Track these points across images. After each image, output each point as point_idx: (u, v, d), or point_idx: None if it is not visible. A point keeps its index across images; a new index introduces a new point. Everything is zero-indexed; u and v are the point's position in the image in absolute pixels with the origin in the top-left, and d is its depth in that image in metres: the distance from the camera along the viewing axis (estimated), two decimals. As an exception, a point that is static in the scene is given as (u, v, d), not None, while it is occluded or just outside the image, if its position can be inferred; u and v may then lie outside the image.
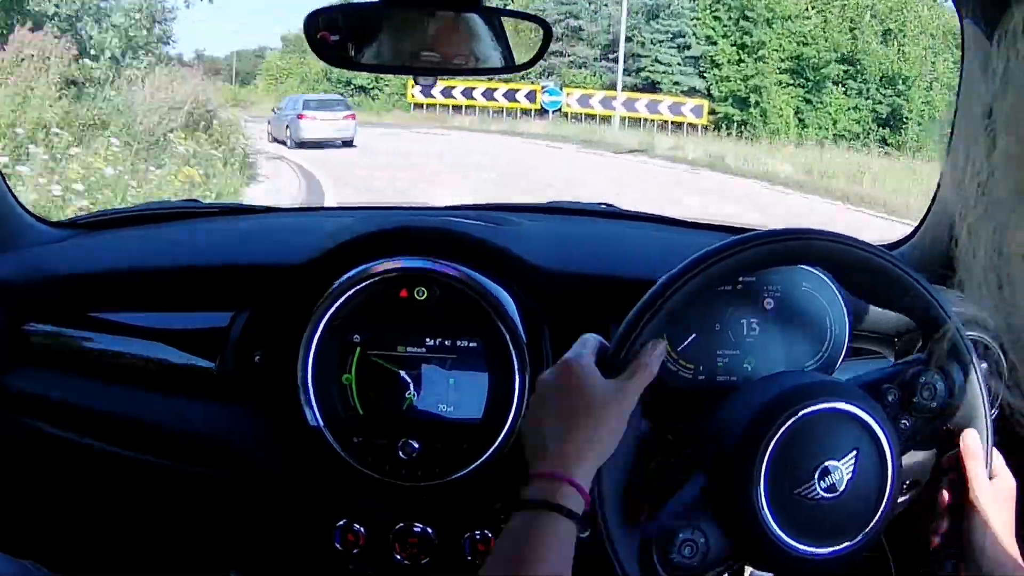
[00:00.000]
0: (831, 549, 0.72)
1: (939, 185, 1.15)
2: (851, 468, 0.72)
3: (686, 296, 0.75)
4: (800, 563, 0.72)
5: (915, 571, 0.83)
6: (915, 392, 0.78)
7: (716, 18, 24.70)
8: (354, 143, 12.51)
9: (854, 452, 0.72)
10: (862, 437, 0.73)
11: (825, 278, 0.93)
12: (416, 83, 1.08)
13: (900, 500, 0.79)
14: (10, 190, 1.22)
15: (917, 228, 1.20)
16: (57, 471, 1.20)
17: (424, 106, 26.24)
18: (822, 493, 0.72)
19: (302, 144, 12.10)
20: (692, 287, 0.75)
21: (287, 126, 12.93)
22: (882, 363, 1.05)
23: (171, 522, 1.22)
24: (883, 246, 0.88)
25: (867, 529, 0.73)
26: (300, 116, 12.66)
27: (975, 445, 0.78)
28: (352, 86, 29.52)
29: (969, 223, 0.44)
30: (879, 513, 0.73)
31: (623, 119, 23.46)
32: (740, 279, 0.92)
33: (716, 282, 0.77)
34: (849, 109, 21.52)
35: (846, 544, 0.73)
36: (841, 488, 0.72)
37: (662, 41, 26.28)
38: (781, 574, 0.76)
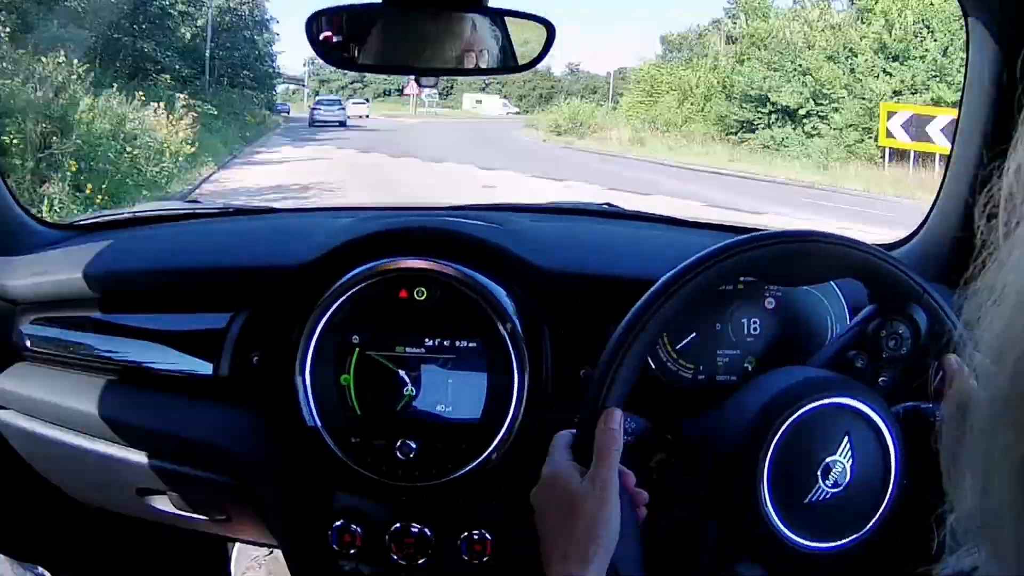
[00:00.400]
0: (843, 541, 0.72)
1: (940, 187, 1.15)
2: (849, 456, 0.71)
3: (639, 355, 0.73)
4: (808, 559, 0.71)
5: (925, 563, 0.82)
6: (881, 347, 0.77)
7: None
8: (345, 124, 22.80)
9: (845, 438, 0.72)
10: (853, 423, 0.72)
11: None
12: (418, 83, 1.08)
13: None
14: (10, 191, 1.22)
15: (917, 230, 1.20)
16: (55, 472, 1.20)
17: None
18: (829, 490, 0.71)
19: (314, 123, 22.24)
20: (644, 342, 0.73)
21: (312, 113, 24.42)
22: None
23: (169, 523, 1.21)
24: (882, 247, 0.88)
25: (875, 518, 0.72)
26: (314, 109, 24.30)
27: (958, 364, 0.76)
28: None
29: (1000, 233, 0.41)
30: (887, 500, 0.73)
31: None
32: (741, 279, 0.92)
33: (715, 283, 0.76)
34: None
35: (857, 534, 0.72)
36: (845, 480, 0.71)
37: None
38: (789, 571, 0.75)
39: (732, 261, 0.75)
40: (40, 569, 0.90)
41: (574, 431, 0.74)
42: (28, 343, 1.16)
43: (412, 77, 1.09)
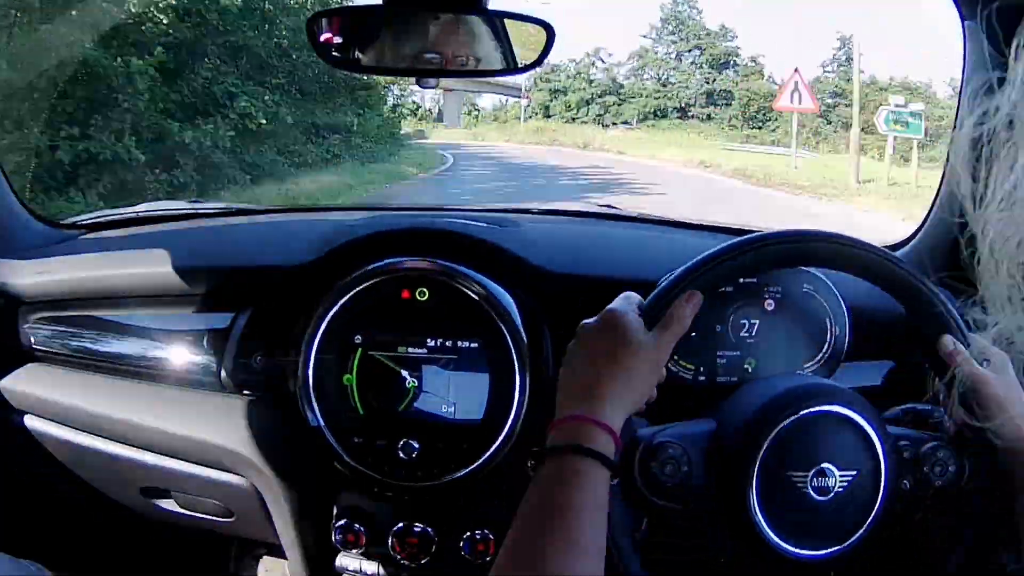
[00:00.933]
0: (819, 552, 0.72)
1: (939, 188, 1.15)
2: (840, 465, 0.72)
3: (728, 272, 0.77)
4: (796, 567, 0.72)
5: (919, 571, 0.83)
6: (924, 463, 0.76)
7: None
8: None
9: (846, 452, 0.72)
10: (846, 432, 0.73)
11: (826, 279, 0.94)
12: (419, 84, 1.08)
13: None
14: (13, 190, 1.22)
15: (918, 230, 1.20)
16: (57, 471, 1.20)
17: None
18: (815, 496, 0.71)
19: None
20: (739, 264, 0.77)
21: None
22: (883, 364, 1.05)
23: (168, 522, 1.22)
24: (885, 247, 0.88)
25: (857, 535, 0.73)
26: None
27: (955, 344, 0.76)
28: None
29: (990, 237, 0.42)
30: (869, 520, 0.73)
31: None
32: (741, 280, 0.93)
33: (722, 281, 0.77)
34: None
35: (837, 547, 0.72)
36: (834, 490, 0.72)
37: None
38: (770, 573, 0.75)
39: (737, 261, 0.76)
40: (39, 567, 0.90)
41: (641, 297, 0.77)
42: (32, 342, 1.17)
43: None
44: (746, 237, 0.78)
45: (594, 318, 0.75)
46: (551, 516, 0.62)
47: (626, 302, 0.76)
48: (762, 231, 0.79)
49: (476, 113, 33.70)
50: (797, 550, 0.72)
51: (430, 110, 31.69)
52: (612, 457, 0.66)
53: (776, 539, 0.71)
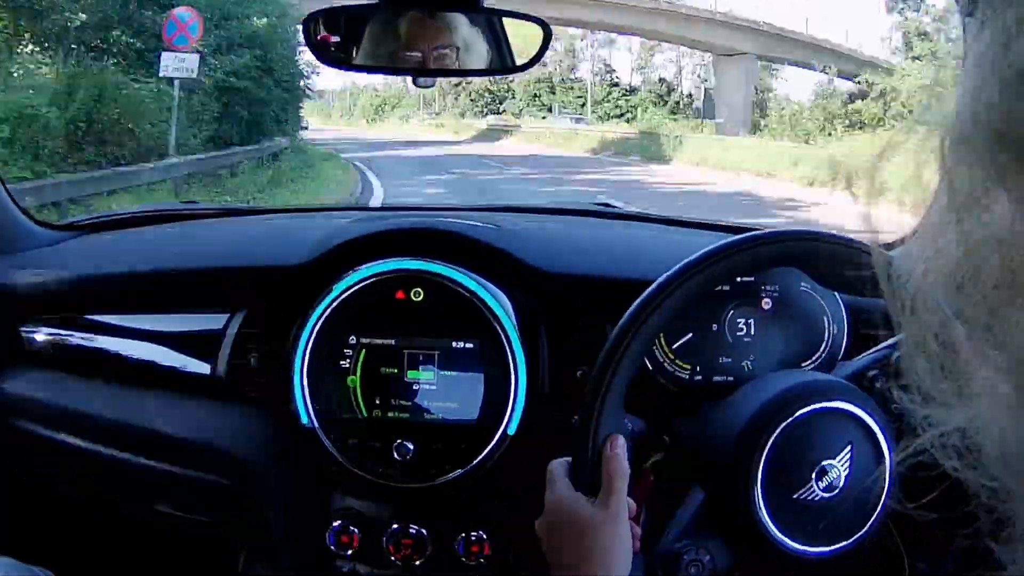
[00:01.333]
0: (831, 548, 0.72)
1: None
2: (847, 464, 0.71)
3: (634, 361, 0.73)
4: (799, 563, 0.71)
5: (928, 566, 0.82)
6: (902, 374, 0.77)
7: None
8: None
9: (848, 447, 0.72)
10: (856, 432, 0.72)
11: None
12: (415, 84, 1.08)
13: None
14: (9, 193, 1.22)
15: (917, 229, 1.19)
16: (55, 473, 1.20)
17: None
18: (821, 493, 0.71)
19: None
20: (656, 322, 0.72)
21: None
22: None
23: (169, 524, 1.22)
24: (882, 246, 0.88)
25: (867, 526, 0.72)
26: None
27: None
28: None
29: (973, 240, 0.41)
30: (879, 508, 0.72)
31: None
32: (737, 279, 0.92)
33: (710, 285, 0.76)
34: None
35: (845, 542, 0.72)
36: (840, 486, 0.71)
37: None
38: (781, 574, 0.75)
39: (732, 260, 0.75)
40: (49, 573, 0.90)
41: (569, 459, 0.73)
42: (29, 344, 1.16)
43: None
44: (745, 235, 0.76)
45: (541, 518, 0.72)
46: None
47: (560, 481, 0.72)
48: (759, 230, 0.78)
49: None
50: (806, 548, 0.71)
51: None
52: None
53: (786, 540, 0.71)
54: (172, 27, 9.52)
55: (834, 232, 0.79)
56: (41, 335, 1.16)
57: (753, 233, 0.77)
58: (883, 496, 0.72)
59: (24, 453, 1.18)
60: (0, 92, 7.71)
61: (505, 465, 0.98)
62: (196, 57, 9.52)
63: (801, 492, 0.71)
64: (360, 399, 1.01)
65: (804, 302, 0.93)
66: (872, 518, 0.72)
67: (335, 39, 1.01)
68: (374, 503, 1.04)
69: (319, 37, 1.00)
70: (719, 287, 0.91)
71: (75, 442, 1.15)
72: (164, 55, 9.36)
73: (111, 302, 1.15)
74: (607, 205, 1.45)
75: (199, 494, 1.14)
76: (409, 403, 1.01)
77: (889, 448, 0.72)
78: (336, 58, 1.00)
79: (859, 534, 0.72)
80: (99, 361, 1.14)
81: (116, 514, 1.25)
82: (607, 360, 0.72)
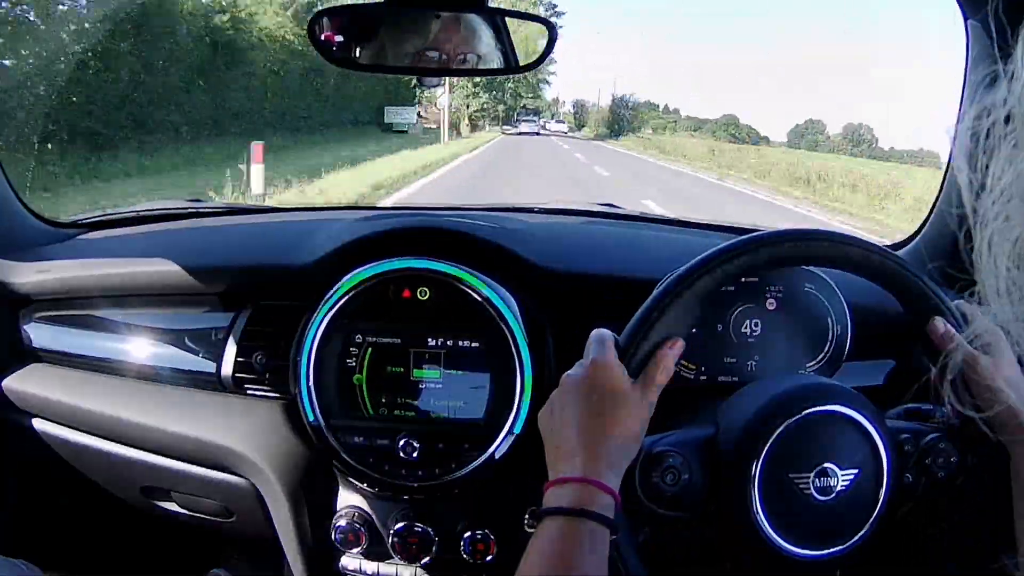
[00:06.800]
0: (826, 551, 0.72)
1: (942, 186, 1.15)
2: (842, 465, 0.71)
3: (694, 295, 0.74)
4: (797, 566, 0.71)
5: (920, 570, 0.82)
6: (926, 455, 0.76)
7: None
8: (539, 134, 32.16)
9: (840, 447, 0.72)
10: (848, 431, 0.72)
11: (827, 279, 0.93)
12: (420, 83, 1.08)
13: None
14: (14, 190, 1.22)
15: (920, 229, 1.20)
16: (58, 470, 1.20)
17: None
18: (814, 492, 0.71)
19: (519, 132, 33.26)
20: (701, 286, 0.74)
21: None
22: (884, 364, 1.05)
23: (167, 522, 1.22)
24: (887, 247, 0.88)
25: (860, 533, 0.72)
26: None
27: (944, 325, 0.75)
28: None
29: (989, 233, 0.41)
30: (872, 518, 0.72)
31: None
32: (743, 279, 0.92)
33: (722, 283, 0.76)
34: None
35: (840, 546, 0.72)
36: (835, 492, 0.71)
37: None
38: (771, 573, 0.75)
39: (738, 262, 0.75)
40: (29, 565, 0.90)
41: (617, 335, 0.74)
42: (32, 341, 1.16)
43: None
44: (758, 235, 0.77)
45: (578, 368, 0.72)
46: None
47: (605, 348, 0.72)
48: (758, 232, 0.79)
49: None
50: (801, 550, 0.71)
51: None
52: (614, 518, 0.64)
53: (780, 540, 0.71)
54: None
55: (840, 232, 0.79)
56: (45, 332, 1.16)
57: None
58: (882, 498, 0.72)
59: (25, 449, 1.19)
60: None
61: (511, 464, 0.98)
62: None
63: (798, 493, 0.71)
64: (366, 397, 1.02)
65: (808, 302, 0.93)
66: (868, 522, 0.72)
67: (339, 38, 1.01)
68: (380, 501, 1.04)
69: (323, 36, 1.00)
70: (725, 287, 0.92)
71: (78, 439, 1.15)
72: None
73: (116, 300, 1.15)
74: (611, 206, 1.45)
75: (204, 491, 1.15)
76: (415, 401, 1.02)
77: (887, 453, 0.73)
78: (341, 57, 1.00)
79: (854, 538, 0.72)
80: (103, 358, 1.14)
81: (116, 510, 1.25)
82: (699, 265, 0.74)
